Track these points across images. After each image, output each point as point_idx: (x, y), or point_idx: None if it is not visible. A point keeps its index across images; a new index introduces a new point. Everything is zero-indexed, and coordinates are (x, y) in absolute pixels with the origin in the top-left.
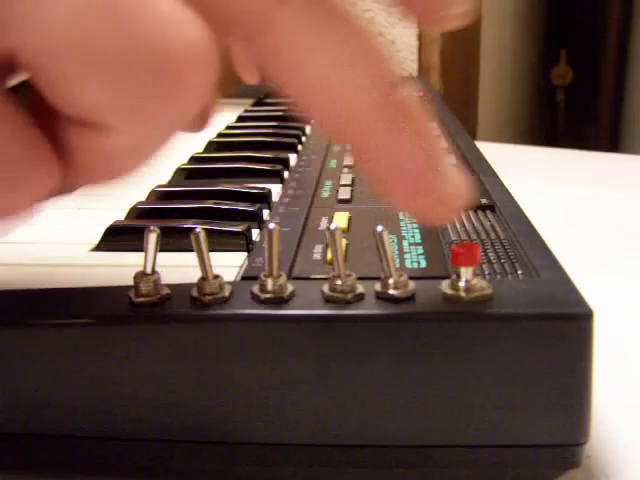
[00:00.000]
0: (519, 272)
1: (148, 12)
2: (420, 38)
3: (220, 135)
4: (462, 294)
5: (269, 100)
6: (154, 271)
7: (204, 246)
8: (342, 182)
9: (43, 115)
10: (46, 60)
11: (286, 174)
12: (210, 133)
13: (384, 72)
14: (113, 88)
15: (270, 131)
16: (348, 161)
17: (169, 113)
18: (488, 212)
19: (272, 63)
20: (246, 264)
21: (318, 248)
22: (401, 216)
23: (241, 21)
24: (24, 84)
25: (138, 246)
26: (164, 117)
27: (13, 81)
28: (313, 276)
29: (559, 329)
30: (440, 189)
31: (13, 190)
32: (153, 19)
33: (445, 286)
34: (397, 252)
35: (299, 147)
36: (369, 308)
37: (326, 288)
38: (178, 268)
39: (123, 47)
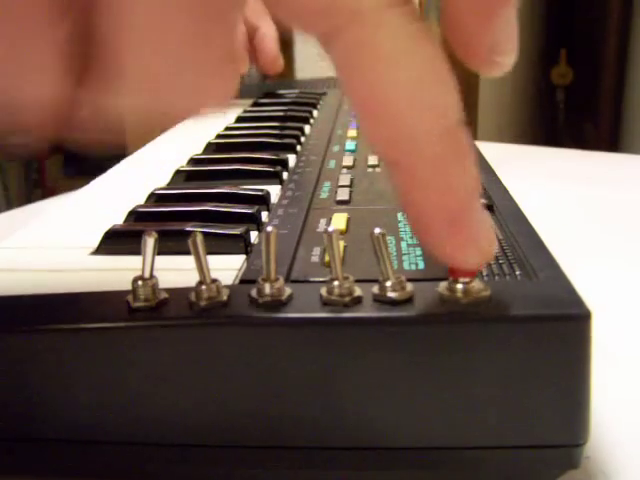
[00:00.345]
0: (517, 273)
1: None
2: None
3: (219, 136)
4: (460, 296)
5: (268, 100)
6: (152, 275)
7: (202, 250)
8: (341, 183)
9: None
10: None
11: (285, 175)
12: (209, 134)
13: (453, 105)
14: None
15: (269, 132)
16: (347, 162)
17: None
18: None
19: (349, 64)
20: (245, 267)
21: (316, 250)
22: (399, 217)
23: (337, 13)
24: None
25: (137, 250)
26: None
27: None
28: (311, 279)
29: (557, 330)
30: (474, 228)
31: (17, 70)
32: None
33: (443, 288)
34: (395, 253)
35: (298, 148)
36: (367, 311)
37: (324, 291)
38: (177, 271)
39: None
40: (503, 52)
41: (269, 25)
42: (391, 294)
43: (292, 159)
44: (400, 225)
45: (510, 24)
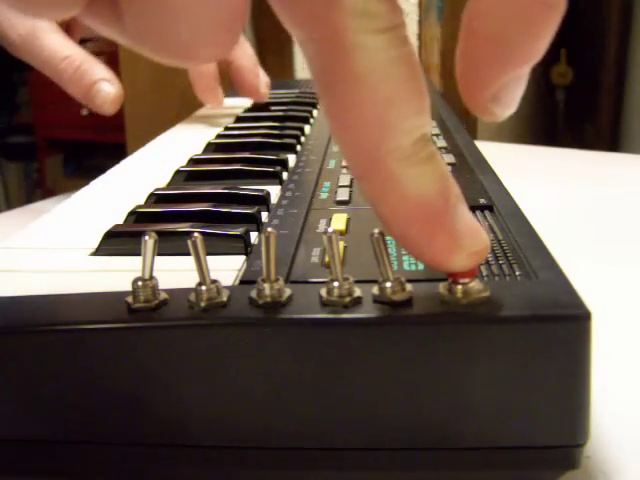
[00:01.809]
0: (517, 273)
1: None
2: (420, 38)
3: (219, 136)
4: (459, 297)
5: (268, 101)
6: (152, 276)
7: (201, 251)
8: (341, 183)
9: None
10: None
11: (285, 175)
12: (209, 134)
13: (420, 125)
14: None
15: (269, 132)
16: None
17: None
18: (487, 212)
19: (323, 74)
20: (244, 267)
21: (316, 251)
22: None
23: (322, 25)
24: None
25: (137, 250)
26: None
27: None
28: (311, 280)
29: (557, 331)
30: (452, 231)
31: None
32: None
33: (443, 289)
34: (395, 254)
35: (298, 148)
36: (366, 312)
37: (324, 292)
38: (177, 272)
39: None
40: (503, 105)
41: (243, 56)
42: (391, 295)
43: (292, 159)
44: None
45: (520, 83)
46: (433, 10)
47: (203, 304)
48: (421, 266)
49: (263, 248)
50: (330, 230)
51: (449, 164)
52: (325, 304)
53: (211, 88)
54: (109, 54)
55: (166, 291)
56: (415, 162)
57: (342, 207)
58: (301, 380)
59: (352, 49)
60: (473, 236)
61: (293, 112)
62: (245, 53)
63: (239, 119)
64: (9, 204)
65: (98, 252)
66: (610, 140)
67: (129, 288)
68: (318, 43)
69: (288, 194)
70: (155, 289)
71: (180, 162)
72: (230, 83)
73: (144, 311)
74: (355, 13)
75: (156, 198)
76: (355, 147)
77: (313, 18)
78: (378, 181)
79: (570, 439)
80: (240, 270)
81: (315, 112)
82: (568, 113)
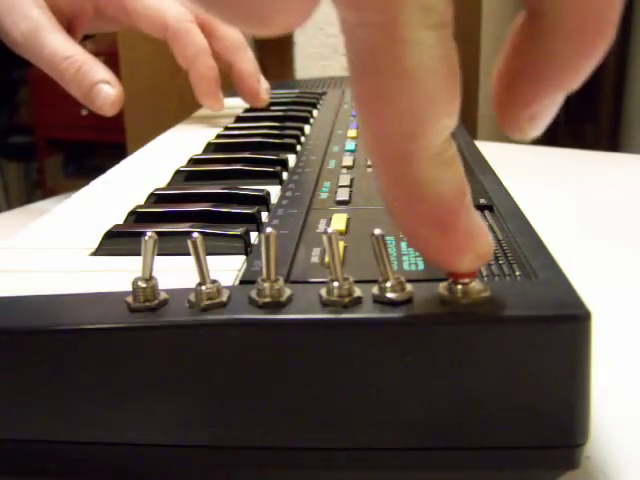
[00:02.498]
0: (517, 273)
1: None
2: None
3: (219, 136)
4: (460, 297)
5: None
6: (152, 276)
7: (201, 251)
8: (340, 183)
9: None
10: None
11: (285, 175)
12: (209, 134)
13: (452, 125)
14: None
15: (269, 132)
16: (347, 162)
17: None
18: (487, 212)
19: (367, 63)
20: (244, 267)
21: (316, 251)
22: None
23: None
24: None
25: (137, 250)
26: None
27: None
28: (311, 280)
29: (557, 331)
30: (465, 232)
31: None
32: None
33: (443, 289)
34: (395, 254)
35: (298, 148)
36: (366, 312)
37: (324, 292)
38: (177, 272)
39: None
40: (536, 126)
41: (244, 60)
42: (391, 295)
43: (292, 159)
44: None
45: (554, 107)
46: None
47: (203, 304)
48: (421, 266)
49: (263, 248)
50: (330, 230)
51: None
52: (325, 304)
53: (212, 92)
54: (109, 54)
55: (166, 291)
56: (440, 162)
57: (342, 207)
58: (300, 380)
59: (406, 41)
60: (482, 237)
61: (293, 112)
62: (247, 57)
63: (239, 119)
64: (9, 204)
65: (98, 252)
66: (610, 140)
67: (129, 288)
68: (370, 29)
69: (288, 194)
70: (155, 289)
71: (180, 162)
72: (229, 84)
73: (144, 311)
74: (415, 5)
75: (156, 198)
76: (383, 139)
77: (372, 3)
78: (399, 176)
79: (570, 439)
80: (240, 270)
81: (315, 112)
82: (568, 113)
